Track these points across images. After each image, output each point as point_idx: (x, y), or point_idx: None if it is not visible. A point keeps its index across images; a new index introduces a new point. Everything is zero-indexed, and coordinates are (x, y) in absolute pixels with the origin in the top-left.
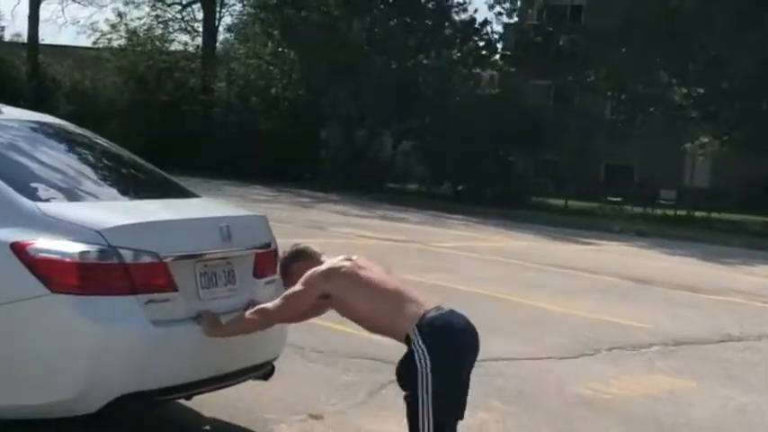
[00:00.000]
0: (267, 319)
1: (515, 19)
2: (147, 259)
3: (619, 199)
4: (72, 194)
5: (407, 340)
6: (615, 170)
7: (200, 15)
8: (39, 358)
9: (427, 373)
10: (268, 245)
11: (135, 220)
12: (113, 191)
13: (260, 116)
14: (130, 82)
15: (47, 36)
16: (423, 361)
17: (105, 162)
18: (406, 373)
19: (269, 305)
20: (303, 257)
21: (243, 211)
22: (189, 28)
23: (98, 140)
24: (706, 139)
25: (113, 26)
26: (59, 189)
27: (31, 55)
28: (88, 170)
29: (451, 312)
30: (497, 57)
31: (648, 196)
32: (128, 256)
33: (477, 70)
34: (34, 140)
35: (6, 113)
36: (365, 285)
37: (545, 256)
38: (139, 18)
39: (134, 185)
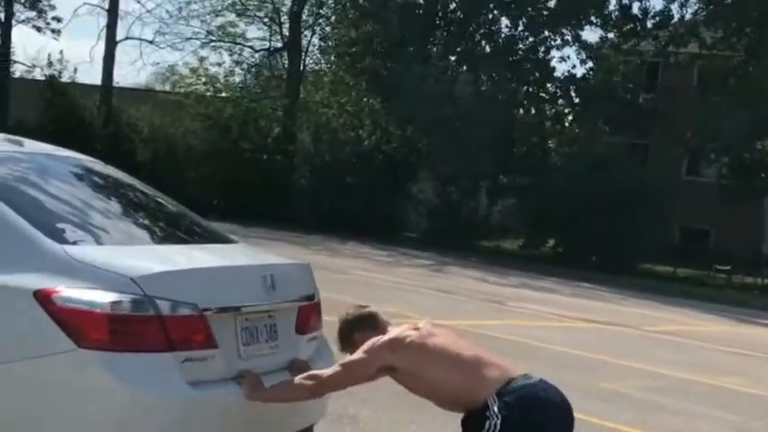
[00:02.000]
0: (319, 388)
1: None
2: (185, 311)
3: (728, 267)
4: (102, 237)
5: (484, 407)
6: (691, 234)
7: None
8: (61, 422)
9: None
10: (312, 297)
11: (172, 267)
12: (146, 235)
13: (349, 168)
14: (213, 129)
15: (125, 79)
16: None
17: (137, 203)
18: None
19: (324, 372)
20: (369, 326)
21: (286, 260)
22: (274, 74)
23: (130, 180)
24: None
25: (193, 70)
26: (88, 231)
27: (105, 98)
28: (119, 211)
29: (542, 382)
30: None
31: (754, 264)
32: (165, 307)
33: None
34: (60, 177)
35: (28, 147)
36: (437, 353)
37: None
38: (219, 64)
39: (168, 229)
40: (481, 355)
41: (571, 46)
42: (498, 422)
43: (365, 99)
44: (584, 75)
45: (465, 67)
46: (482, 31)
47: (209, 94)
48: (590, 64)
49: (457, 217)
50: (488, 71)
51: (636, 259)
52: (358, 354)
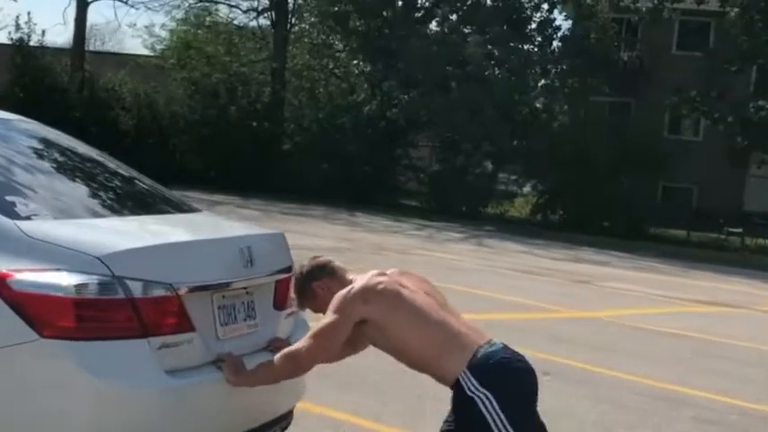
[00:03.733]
0: (300, 366)
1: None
2: (159, 292)
3: (740, 230)
4: (59, 211)
5: (460, 385)
6: (674, 193)
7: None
8: (26, 421)
9: (505, 426)
10: (289, 269)
11: (143, 243)
12: (107, 206)
13: (348, 135)
14: (197, 95)
15: (109, 43)
16: (492, 410)
17: (92, 171)
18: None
19: (299, 348)
20: (324, 274)
21: (261, 230)
22: (262, 36)
23: (80, 145)
24: None
25: (172, 32)
26: (42, 204)
27: (78, 62)
28: (73, 181)
29: (506, 347)
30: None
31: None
32: (136, 288)
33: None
34: (3, 144)
35: None
36: (409, 307)
37: None
38: (199, 25)
39: (129, 199)
40: (449, 319)
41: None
42: (493, 399)
43: (356, 62)
44: (580, 34)
45: (468, 28)
46: None
47: (191, 59)
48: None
49: (463, 183)
50: (494, 31)
51: (647, 223)
52: (329, 315)
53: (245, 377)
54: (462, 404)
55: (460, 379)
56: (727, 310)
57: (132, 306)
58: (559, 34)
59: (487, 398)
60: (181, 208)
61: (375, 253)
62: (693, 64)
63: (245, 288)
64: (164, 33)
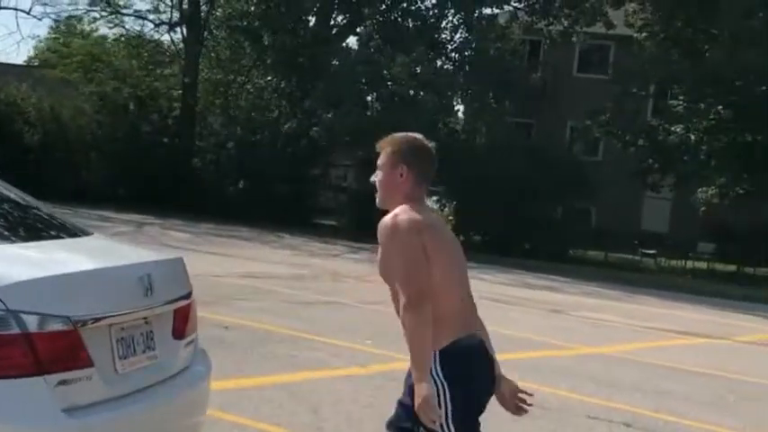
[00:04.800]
0: (418, 312)
1: None
2: (56, 327)
3: (653, 251)
4: None
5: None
6: (572, 213)
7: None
8: None
9: (448, 424)
10: (188, 295)
11: (38, 274)
12: None
13: (267, 153)
14: (105, 110)
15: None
16: (441, 403)
17: None
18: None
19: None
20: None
21: (160, 255)
22: (177, 51)
23: None
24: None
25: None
26: None
27: None
28: None
29: (482, 345)
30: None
31: (679, 247)
32: (32, 323)
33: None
34: None
35: None
36: (449, 256)
37: None
38: (105, 38)
39: (19, 224)
40: (466, 287)
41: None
42: (447, 392)
43: (271, 78)
44: (495, 56)
45: (389, 47)
46: (403, 5)
47: (98, 72)
48: (498, 44)
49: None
50: (418, 51)
51: (566, 245)
52: (396, 257)
53: (420, 365)
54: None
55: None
56: (716, 342)
57: (27, 342)
58: (470, 56)
59: (443, 388)
60: (73, 232)
61: (336, 280)
62: (593, 86)
63: (144, 318)
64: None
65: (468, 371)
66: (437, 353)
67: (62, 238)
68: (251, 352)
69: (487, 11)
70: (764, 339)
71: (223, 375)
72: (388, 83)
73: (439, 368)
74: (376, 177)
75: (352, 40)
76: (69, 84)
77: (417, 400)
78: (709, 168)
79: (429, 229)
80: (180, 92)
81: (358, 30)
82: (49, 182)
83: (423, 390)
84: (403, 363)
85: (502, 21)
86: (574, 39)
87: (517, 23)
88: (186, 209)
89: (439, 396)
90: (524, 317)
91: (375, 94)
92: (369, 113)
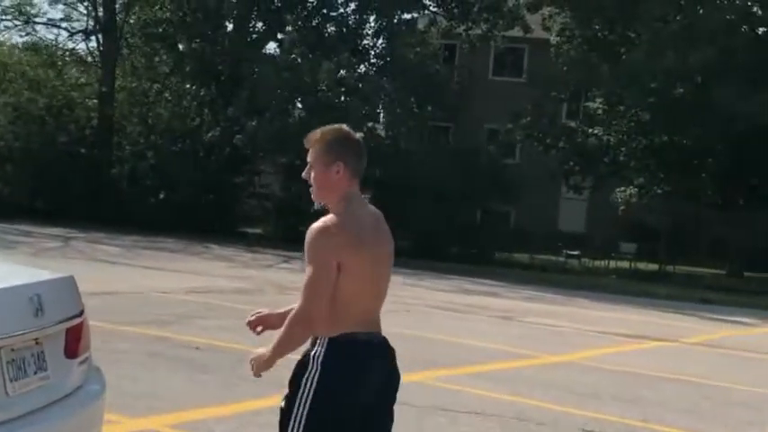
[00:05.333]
0: (298, 326)
1: None
2: None
3: (577, 252)
4: None
5: (311, 343)
6: (492, 215)
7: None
8: None
9: (302, 416)
10: (80, 314)
11: None
12: None
13: (187, 162)
14: (20, 121)
15: None
16: (306, 389)
17: None
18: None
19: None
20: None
21: (50, 274)
22: (86, 60)
23: None
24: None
25: None
26: None
27: None
28: None
29: (381, 348)
30: None
31: (599, 248)
32: None
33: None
34: None
35: None
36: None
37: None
38: (18, 47)
39: None
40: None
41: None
42: (316, 382)
43: (189, 86)
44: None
45: (311, 54)
46: (323, 11)
47: (12, 83)
48: (417, 49)
49: (306, 212)
50: (342, 58)
51: (491, 248)
52: (309, 260)
53: (271, 360)
54: (301, 360)
55: (318, 339)
56: (667, 345)
57: None
58: (392, 61)
59: (315, 372)
60: None
61: (281, 293)
62: (509, 89)
63: (35, 339)
64: None
65: (349, 365)
66: (326, 339)
67: None
68: (232, 374)
69: (407, 16)
70: (709, 340)
71: (218, 401)
72: (314, 89)
73: (321, 352)
74: (308, 174)
75: (272, 47)
76: None
77: (252, 356)
78: (628, 169)
79: (351, 247)
80: (96, 101)
81: (279, 36)
82: None
83: (259, 356)
84: None
85: (421, 26)
86: (492, 43)
87: (436, 28)
88: (107, 221)
89: (307, 378)
90: (479, 326)
91: (300, 100)
92: (292, 120)
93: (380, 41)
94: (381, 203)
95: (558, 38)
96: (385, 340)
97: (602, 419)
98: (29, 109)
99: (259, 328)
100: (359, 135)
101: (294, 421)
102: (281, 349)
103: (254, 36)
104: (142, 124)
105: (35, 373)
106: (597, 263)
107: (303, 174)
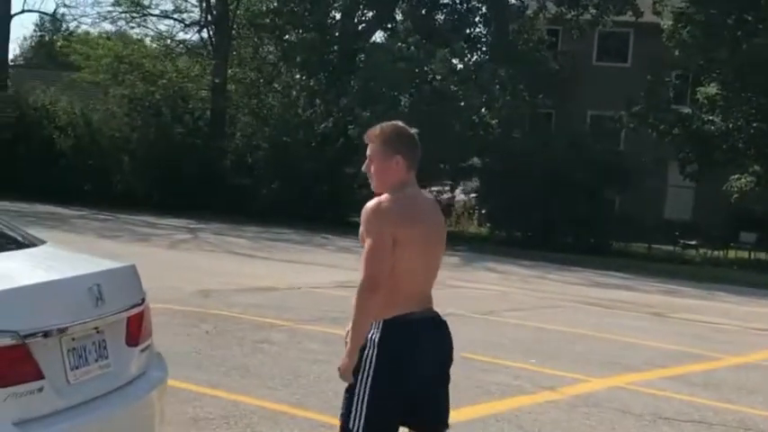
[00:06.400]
0: (365, 296)
1: None
2: (5, 341)
3: (694, 242)
4: None
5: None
6: (599, 204)
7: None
8: None
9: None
10: (141, 302)
11: None
12: None
13: (300, 153)
14: (135, 113)
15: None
16: (367, 368)
17: None
18: None
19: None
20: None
21: (111, 264)
22: (199, 52)
23: None
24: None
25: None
26: None
27: (1, 79)
28: None
29: (435, 323)
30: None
31: (717, 238)
32: None
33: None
34: None
35: None
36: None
37: None
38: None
39: None
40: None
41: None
42: (374, 360)
43: (299, 76)
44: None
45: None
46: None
47: (128, 75)
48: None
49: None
50: (456, 47)
51: (608, 237)
52: (367, 236)
53: (352, 351)
54: (362, 345)
55: (373, 323)
56: None
57: None
58: (503, 49)
59: (372, 356)
60: (24, 243)
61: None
62: (613, 75)
63: (95, 328)
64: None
65: (403, 343)
66: (381, 322)
67: (11, 249)
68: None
69: (516, 2)
70: None
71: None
72: (429, 79)
73: (377, 336)
74: (368, 167)
75: (378, 36)
76: (97, 87)
77: (339, 366)
78: (746, 156)
79: (404, 222)
80: (208, 92)
81: (389, 25)
82: (81, 188)
83: (345, 361)
84: (593, 384)
85: (530, 12)
86: (600, 28)
87: (543, 14)
88: (222, 212)
89: (365, 359)
90: (635, 323)
91: (414, 90)
92: (402, 110)
93: (490, 29)
94: (494, 192)
95: (671, 22)
96: (438, 315)
97: None
98: (145, 100)
99: None
100: (413, 131)
101: (357, 400)
102: (357, 328)
103: (362, 26)
104: (253, 115)
105: (96, 361)
106: (716, 253)
107: (363, 167)
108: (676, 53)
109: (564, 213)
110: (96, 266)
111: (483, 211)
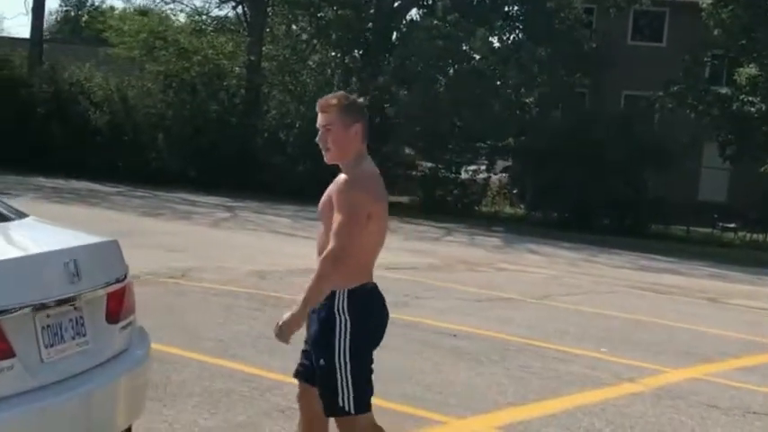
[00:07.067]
0: (334, 265)
1: None
2: None
3: (733, 225)
4: None
5: (330, 297)
6: (634, 185)
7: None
8: None
9: (345, 355)
10: (122, 278)
11: None
12: None
13: None
14: (170, 90)
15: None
16: (342, 337)
17: None
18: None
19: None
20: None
21: (90, 238)
22: (234, 29)
23: None
24: None
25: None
26: None
27: (34, 54)
28: None
29: (377, 289)
30: None
31: (756, 220)
32: None
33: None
34: None
35: None
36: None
37: None
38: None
39: None
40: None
41: None
42: (349, 327)
43: (334, 54)
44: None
45: (464, 20)
46: None
47: (162, 51)
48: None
49: (455, 183)
50: (496, 26)
51: (647, 219)
52: (343, 208)
53: (302, 310)
54: (326, 318)
55: (337, 293)
56: None
57: None
58: (541, 28)
59: (345, 323)
60: (2, 215)
61: (472, 270)
62: (648, 54)
63: (72, 304)
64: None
65: (369, 309)
66: (346, 291)
67: None
68: (509, 366)
69: None
70: None
71: (520, 400)
72: (467, 57)
73: (345, 305)
74: (324, 137)
75: (414, 14)
76: (131, 63)
77: (282, 320)
78: None
79: (377, 198)
80: (243, 69)
81: (425, 2)
82: (115, 164)
83: (290, 317)
84: (672, 376)
85: None
86: (636, 6)
87: None
88: (257, 190)
89: (340, 329)
90: (693, 309)
91: (452, 69)
92: (443, 90)
93: (527, 8)
94: (530, 173)
95: (711, 1)
96: (376, 285)
97: None
98: (181, 77)
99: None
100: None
101: (340, 372)
102: (316, 293)
103: (397, 3)
104: (287, 93)
105: (73, 338)
106: (755, 236)
107: (317, 138)
108: (715, 32)
109: (602, 195)
110: (74, 241)
111: (515, 191)
